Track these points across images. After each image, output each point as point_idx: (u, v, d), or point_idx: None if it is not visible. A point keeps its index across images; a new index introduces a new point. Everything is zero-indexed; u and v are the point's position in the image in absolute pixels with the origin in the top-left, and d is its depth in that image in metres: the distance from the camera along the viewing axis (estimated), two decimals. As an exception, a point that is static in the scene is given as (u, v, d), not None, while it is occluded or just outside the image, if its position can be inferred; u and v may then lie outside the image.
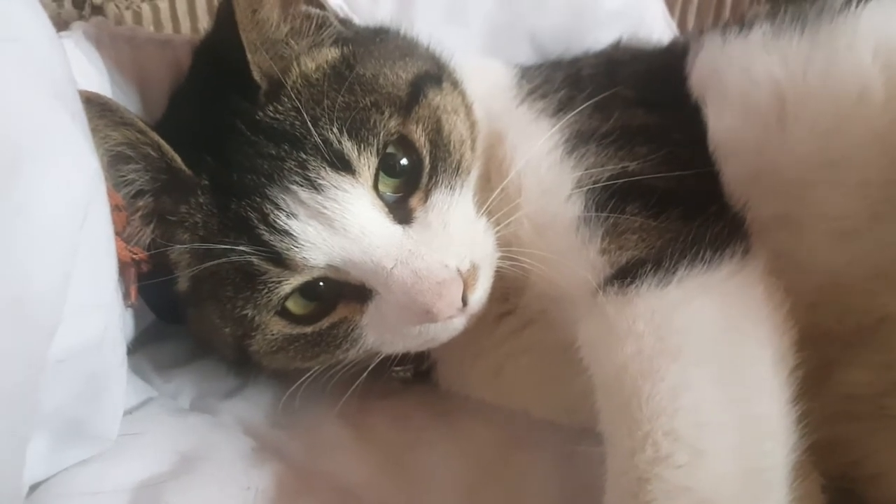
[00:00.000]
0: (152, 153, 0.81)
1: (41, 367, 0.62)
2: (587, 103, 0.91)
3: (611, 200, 0.81)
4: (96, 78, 0.95)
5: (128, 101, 1.02)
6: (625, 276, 0.76)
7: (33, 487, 0.76)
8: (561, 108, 0.93)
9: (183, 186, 0.83)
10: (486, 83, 1.01)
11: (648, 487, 0.63)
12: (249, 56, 0.81)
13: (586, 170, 0.85)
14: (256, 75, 0.82)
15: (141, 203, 0.85)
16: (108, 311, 0.75)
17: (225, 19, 0.83)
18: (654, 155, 0.85)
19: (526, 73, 1.06)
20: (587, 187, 0.83)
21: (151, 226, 0.85)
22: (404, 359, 0.95)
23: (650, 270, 0.75)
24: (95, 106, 0.77)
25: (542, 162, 0.87)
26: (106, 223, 0.74)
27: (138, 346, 1.01)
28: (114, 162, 0.81)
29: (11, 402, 0.59)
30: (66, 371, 0.69)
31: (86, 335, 0.70)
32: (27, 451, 0.66)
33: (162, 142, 0.81)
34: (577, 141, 0.88)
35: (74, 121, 0.67)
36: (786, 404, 0.68)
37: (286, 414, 0.95)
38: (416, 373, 1.01)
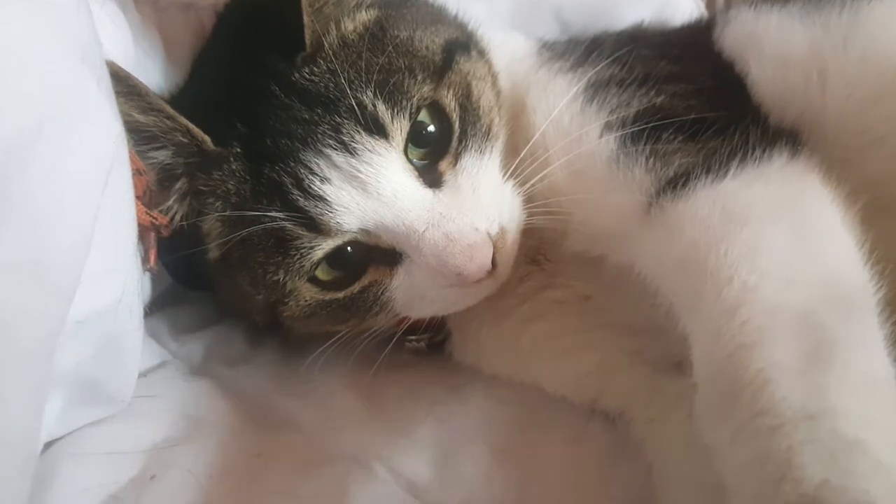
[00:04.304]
0: (182, 139, 0.81)
1: (60, 327, 0.62)
2: (606, 61, 0.92)
3: (643, 133, 0.81)
4: (120, 41, 0.94)
5: (151, 65, 1.01)
6: (675, 183, 0.76)
7: (47, 445, 0.78)
8: (579, 65, 0.93)
9: (215, 160, 0.83)
10: (507, 55, 1.01)
11: (742, 309, 0.63)
12: (306, 19, 0.81)
13: (610, 112, 0.85)
14: (308, 38, 0.81)
15: (177, 185, 0.85)
16: (126, 275, 0.75)
17: None
18: (682, 91, 0.86)
19: (546, 44, 1.06)
20: (616, 127, 0.83)
21: (185, 202, 0.86)
22: (421, 329, 0.97)
23: (701, 174, 0.75)
24: (122, 84, 0.76)
25: (564, 115, 0.88)
26: (127, 187, 0.74)
27: (155, 309, 1.01)
28: (134, 137, 0.80)
29: (31, 361, 0.59)
30: (83, 332, 0.69)
31: (104, 298, 0.71)
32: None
33: (191, 125, 0.81)
34: (596, 88, 0.89)
35: (100, 85, 0.67)
36: (862, 261, 0.68)
37: (299, 383, 0.96)
38: (429, 344, 1.01)
